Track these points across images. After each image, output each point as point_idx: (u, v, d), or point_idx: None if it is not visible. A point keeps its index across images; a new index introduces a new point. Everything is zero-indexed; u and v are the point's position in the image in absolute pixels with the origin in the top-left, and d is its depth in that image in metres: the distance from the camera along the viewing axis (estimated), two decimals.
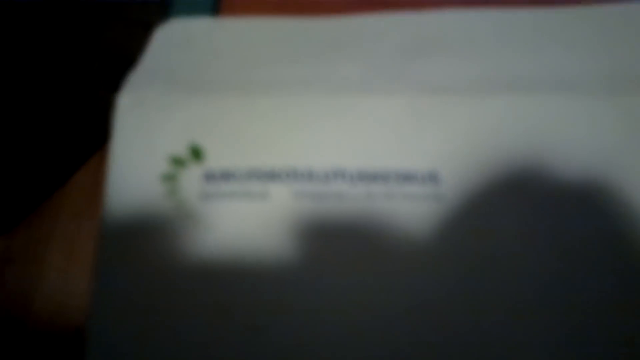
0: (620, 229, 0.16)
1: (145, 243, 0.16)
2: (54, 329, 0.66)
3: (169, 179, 0.17)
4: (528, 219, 0.17)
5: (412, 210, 0.16)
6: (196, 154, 0.17)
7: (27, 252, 0.69)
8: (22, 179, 0.66)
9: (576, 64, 0.19)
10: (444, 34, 0.20)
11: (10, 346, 0.64)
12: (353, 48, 0.20)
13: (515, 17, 0.20)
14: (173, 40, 0.20)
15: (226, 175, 0.17)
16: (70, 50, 0.60)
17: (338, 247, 0.16)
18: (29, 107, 0.62)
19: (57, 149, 0.66)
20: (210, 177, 0.17)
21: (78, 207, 0.69)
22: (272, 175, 0.17)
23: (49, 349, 0.65)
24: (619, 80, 0.19)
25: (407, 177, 0.17)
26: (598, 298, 0.16)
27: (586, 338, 0.15)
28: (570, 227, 0.16)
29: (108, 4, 0.56)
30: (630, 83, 0.19)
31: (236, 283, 0.16)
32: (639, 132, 0.18)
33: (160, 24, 0.21)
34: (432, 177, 0.17)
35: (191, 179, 0.17)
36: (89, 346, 0.15)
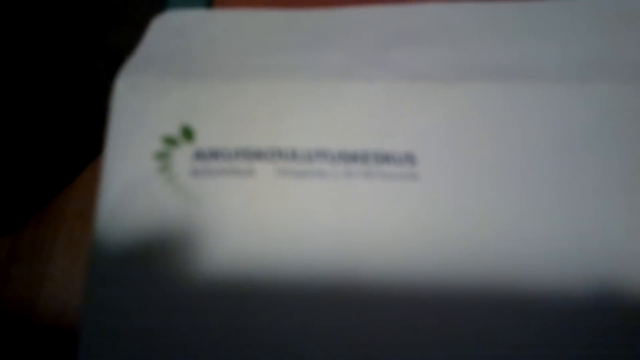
0: (590, 213, 0.17)
1: (138, 215, 0.17)
2: (58, 328, 0.66)
3: (162, 156, 0.18)
4: (499, 198, 0.17)
5: (389, 188, 0.17)
6: (187, 134, 0.18)
7: (33, 251, 0.70)
8: (29, 177, 0.67)
9: (550, 53, 0.20)
10: (423, 25, 0.21)
11: (15, 344, 0.65)
12: (337, 38, 0.21)
13: (492, 9, 0.22)
14: (169, 30, 0.21)
15: (215, 154, 0.18)
16: (76, 50, 0.61)
17: (319, 221, 0.17)
18: (35, 106, 0.64)
19: (64, 148, 0.67)
20: (200, 155, 0.18)
21: (84, 206, 0.70)
22: (258, 154, 0.18)
23: (53, 347, 0.65)
24: (591, 68, 0.20)
25: (385, 158, 0.18)
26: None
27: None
28: (541, 211, 0.17)
29: (113, 2, 0.58)
30: (603, 71, 0.20)
31: (222, 256, 0.17)
32: (610, 118, 0.19)
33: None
34: (409, 158, 0.18)
35: (182, 156, 0.18)
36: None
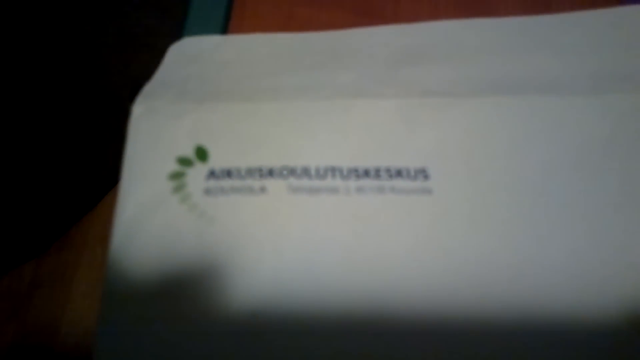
0: (610, 225, 0.17)
1: (154, 233, 0.17)
2: (79, 354, 0.67)
3: (177, 176, 0.18)
4: (514, 211, 0.17)
5: (402, 202, 0.17)
6: (201, 154, 0.18)
7: (55, 277, 0.71)
8: (52, 204, 0.68)
9: (561, 66, 0.20)
10: (433, 43, 0.21)
11: None
12: (348, 58, 0.21)
13: (502, 24, 0.22)
14: (184, 56, 0.22)
15: (228, 173, 0.18)
16: (99, 79, 0.63)
17: (331, 235, 0.17)
18: (59, 133, 0.65)
19: (86, 175, 0.69)
20: (213, 174, 0.18)
21: (105, 232, 0.71)
22: (270, 172, 0.18)
23: None
24: (602, 79, 0.20)
25: (397, 173, 0.18)
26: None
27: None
28: (557, 223, 0.17)
29: (135, 33, 0.60)
30: (613, 81, 0.19)
31: (235, 273, 0.17)
32: (621, 126, 0.18)
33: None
34: (421, 173, 0.18)
35: (196, 176, 0.18)
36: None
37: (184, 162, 0.18)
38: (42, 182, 0.67)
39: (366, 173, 0.18)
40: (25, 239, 0.69)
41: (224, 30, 0.24)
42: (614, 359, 0.15)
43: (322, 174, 0.18)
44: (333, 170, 0.18)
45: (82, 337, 0.68)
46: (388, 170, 0.18)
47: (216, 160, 0.18)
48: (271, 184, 0.18)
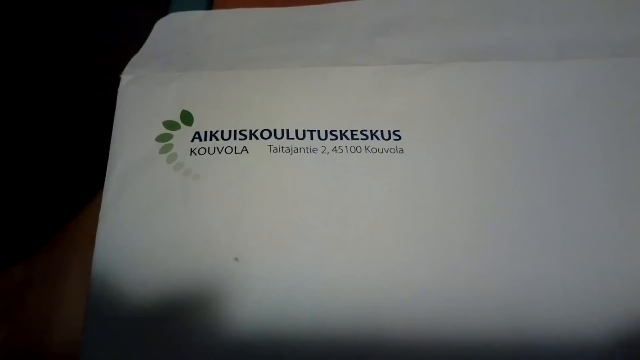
0: (572, 185, 0.18)
1: (142, 191, 0.18)
2: (72, 354, 0.66)
3: (164, 138, 0.19)
4: (479, 167, 0.18)
5: (376, 160, 0.19)
6: (187, 119, 0.19)
7: (47, 277, 0.70)
8: (41, 204, 0.68)
9: (530, 35, 0.22)
10: (408, 16, 0.23)
11: None
12: (327, 30, 0.22)
13: None
14: (170, 30, 0.23)
15: (212, 135, 0.19)
16: (89, 75, 0.63)
17: (309, 191, 0.18)
18: (47, 131, 0.65)
19: (76, 173, 0.69)
20: (198, 137, 0.19)
21: (96, 231, 0.71)
22: (252, 134, 0.19)
23: None
24: (567, 46, 0.21)
25: (372, 134, 0.19)
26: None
27: None
28: (521, 181, 0.18)
29: (126, 28, 0.60)
30: (577, 48, 0.21)
31: (218, 224, 0.18)
32: (586, 92, 0.20)
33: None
34: (394, 134, 0.19)
35: (182, 138, 0.19)
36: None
37: (171, 125, 0.19)
38: (31, 182, 0.67)
39: (343, 135, 0.19)
40: (15, 240, 0.69)
41: (209, 7, 0.25)
42: None
43: (301, 136, 0.19)
44: (312, 132, 0.19)
45: (75, 336, 0.67)
46: (363, 131, 0.19)
47: (201, 124, 0.19)
48: (253, 144, 0.19)
